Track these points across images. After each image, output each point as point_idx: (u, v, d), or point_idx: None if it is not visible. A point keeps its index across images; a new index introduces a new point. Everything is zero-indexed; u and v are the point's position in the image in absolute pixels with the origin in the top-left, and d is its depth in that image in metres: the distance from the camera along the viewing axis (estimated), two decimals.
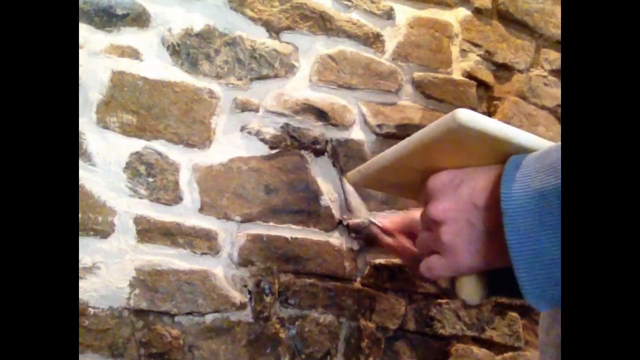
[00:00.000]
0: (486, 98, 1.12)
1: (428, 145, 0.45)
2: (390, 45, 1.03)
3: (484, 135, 0.42)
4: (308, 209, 0.93)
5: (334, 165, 0.97)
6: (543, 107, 1.16)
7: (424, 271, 0.48)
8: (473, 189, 0.44)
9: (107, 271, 0.81)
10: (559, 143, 0.43)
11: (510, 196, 0.40)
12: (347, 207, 0.91)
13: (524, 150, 0.44)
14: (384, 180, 0.54)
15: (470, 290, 0.47)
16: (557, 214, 0.39)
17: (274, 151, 0.92)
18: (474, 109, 1.08)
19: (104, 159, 0.82)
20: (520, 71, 1.15)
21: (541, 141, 0.47)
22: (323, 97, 0.95)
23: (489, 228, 0.43)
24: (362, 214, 0.91)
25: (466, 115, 0.42)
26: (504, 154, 0.44)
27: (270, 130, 0.92)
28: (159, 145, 0.86)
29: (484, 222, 0.43)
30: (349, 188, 0.92)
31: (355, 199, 0.92)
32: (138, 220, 0.83)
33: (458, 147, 0.44)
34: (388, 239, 0.83)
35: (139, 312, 0.82)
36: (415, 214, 0.77)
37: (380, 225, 0.85)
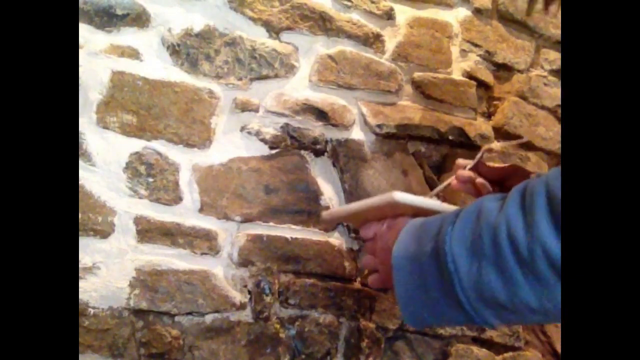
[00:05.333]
0: (486, 98, 1.12)
1: (376, 206, 0.67)
2: (390, 45, 1.03)
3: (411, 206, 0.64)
4: (308, 209, 0.93)
5: (334, 165, 0.97)
6: (543, 107, 1.16)
7: (370, 282, 0.70)
8: (388, 240, 0.62)
9: (107, 271, 0.81)
10: (443, 214, 0.58)
11: (395, 256, 0.57)
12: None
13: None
14: (346, 218, 0.85)
15: None
16: (423, 270, 0.54)
17: (274, 151, 0.92)
18: (474, 109, 1.08)
19: (104, 159, 0.82)
20: (520, 71, 1.15)
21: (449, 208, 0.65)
22: (323, 97, 0.95)
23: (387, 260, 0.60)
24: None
25: (399, 196, 0.63)
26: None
27: (270, 130, 0.92)
28: (159, 145, 0.86)
29: (388, 257, 0.60)
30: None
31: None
32: (138, 220, 0.83)
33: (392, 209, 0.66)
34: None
35: (139, 312, 0.82)
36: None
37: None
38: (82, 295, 0.79)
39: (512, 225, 0.46)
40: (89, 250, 0.80)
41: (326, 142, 0.96)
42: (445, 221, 0.54)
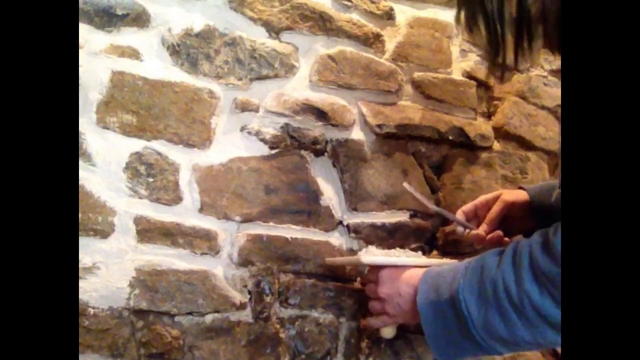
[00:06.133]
0: (486, 98, 1.12)
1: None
2: (390, 46, 1.03)
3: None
4: (308, 209, 0.93)
5: (334, 165, 0.97)
6: (543, 107, 1.16)
7: (372, 323, 0.83)
8: (398, 288, 0.75)
9: (107, 271, 0.81)
10: (454, 264, 0.71)
11: (420, 304, 0.69)
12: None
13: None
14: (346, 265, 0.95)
15: (388, 331, 0.84)
16: (445, 315, 0.66)
17: (274, 151, 0.92)
18: (474, 109, 1.08)
19: (104, 159, 0.82)
20: (520, 71, 1.15)
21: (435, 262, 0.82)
22: (323, 97, 0.95)
23: (405, 306, 0.74)
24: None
25: (367, 258, 0.80)
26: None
27: (270, 130, 0.92)
28: (159, 145, 0.86)
29: (401, 301, 0.74)
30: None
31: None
32: (138, 220, 0.83)
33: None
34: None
35: (139, 312, 0.82)
36: (483, 198, 0.91)
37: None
38: (82, 295, 0.79)
39: (506, 280, 0.60)
40: (89, 250, 0.80)
41: (326, 142, 0.96)
42: (457, 273, 0.67)
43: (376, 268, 0.79)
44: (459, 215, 0.90)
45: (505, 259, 0.62)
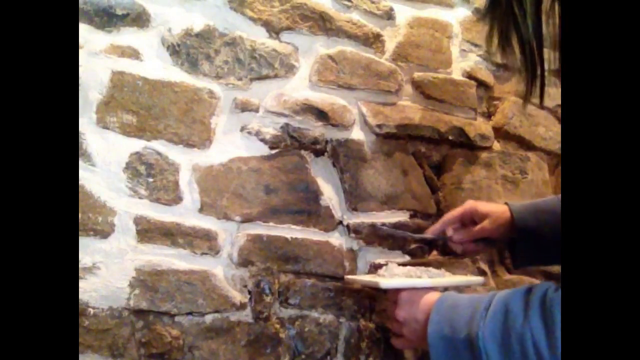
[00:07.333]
0: (486, 98, 1.12)
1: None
2: (390, 45, 1.03)
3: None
4: (308, 209, 0.93)
5: (334, 165, 0.97)
6: (543, 107, 1.16)
7: (395, 343, 0.81)
8: (415, 313, 0.73)
9: (107, 271, 0.81)
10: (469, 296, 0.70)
11: (431, 335, 0.67)
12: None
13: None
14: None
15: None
16: (459, 354, 0.64)
17: (274, 151, 0.92)
18: (474, 109, 1.08)
19: (104, 159, 0.82)
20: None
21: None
22: (323, 97, 0.95)
23: (421, 332, 0.71)
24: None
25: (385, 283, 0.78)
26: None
27: (270, 130, 0.92)
28: (159, 145, 0.86)
29: (418, 327, 0.73)
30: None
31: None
32: (138, 220, 0.83)
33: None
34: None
35: (139, 312, 0.82)
36: (473, 204, 0.89)
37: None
38: (82, 295, 0.79)
39: (535, 336, 0.56)
40: (89, 250, 0.80)
41: (326, 142, 0.96)
42: (476, 312, 0.64)
43: (396, 289, 0.77)
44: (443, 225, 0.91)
45: (533, 312, 0.58)
